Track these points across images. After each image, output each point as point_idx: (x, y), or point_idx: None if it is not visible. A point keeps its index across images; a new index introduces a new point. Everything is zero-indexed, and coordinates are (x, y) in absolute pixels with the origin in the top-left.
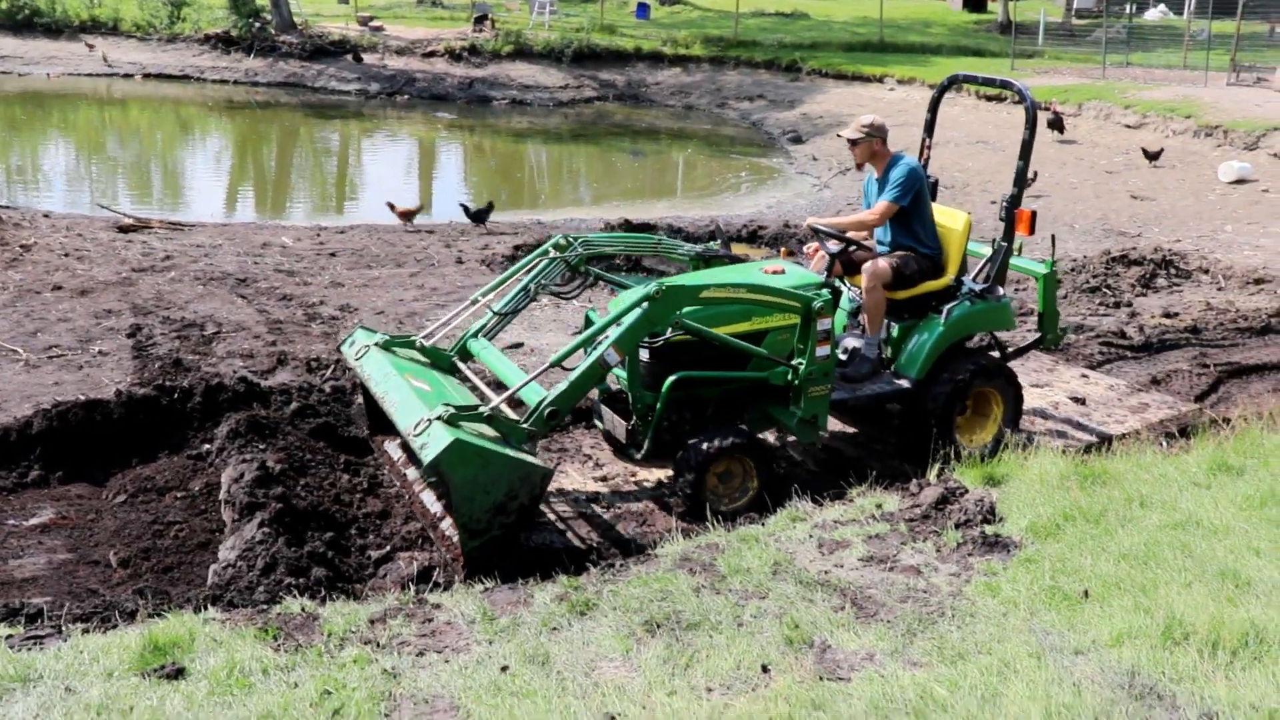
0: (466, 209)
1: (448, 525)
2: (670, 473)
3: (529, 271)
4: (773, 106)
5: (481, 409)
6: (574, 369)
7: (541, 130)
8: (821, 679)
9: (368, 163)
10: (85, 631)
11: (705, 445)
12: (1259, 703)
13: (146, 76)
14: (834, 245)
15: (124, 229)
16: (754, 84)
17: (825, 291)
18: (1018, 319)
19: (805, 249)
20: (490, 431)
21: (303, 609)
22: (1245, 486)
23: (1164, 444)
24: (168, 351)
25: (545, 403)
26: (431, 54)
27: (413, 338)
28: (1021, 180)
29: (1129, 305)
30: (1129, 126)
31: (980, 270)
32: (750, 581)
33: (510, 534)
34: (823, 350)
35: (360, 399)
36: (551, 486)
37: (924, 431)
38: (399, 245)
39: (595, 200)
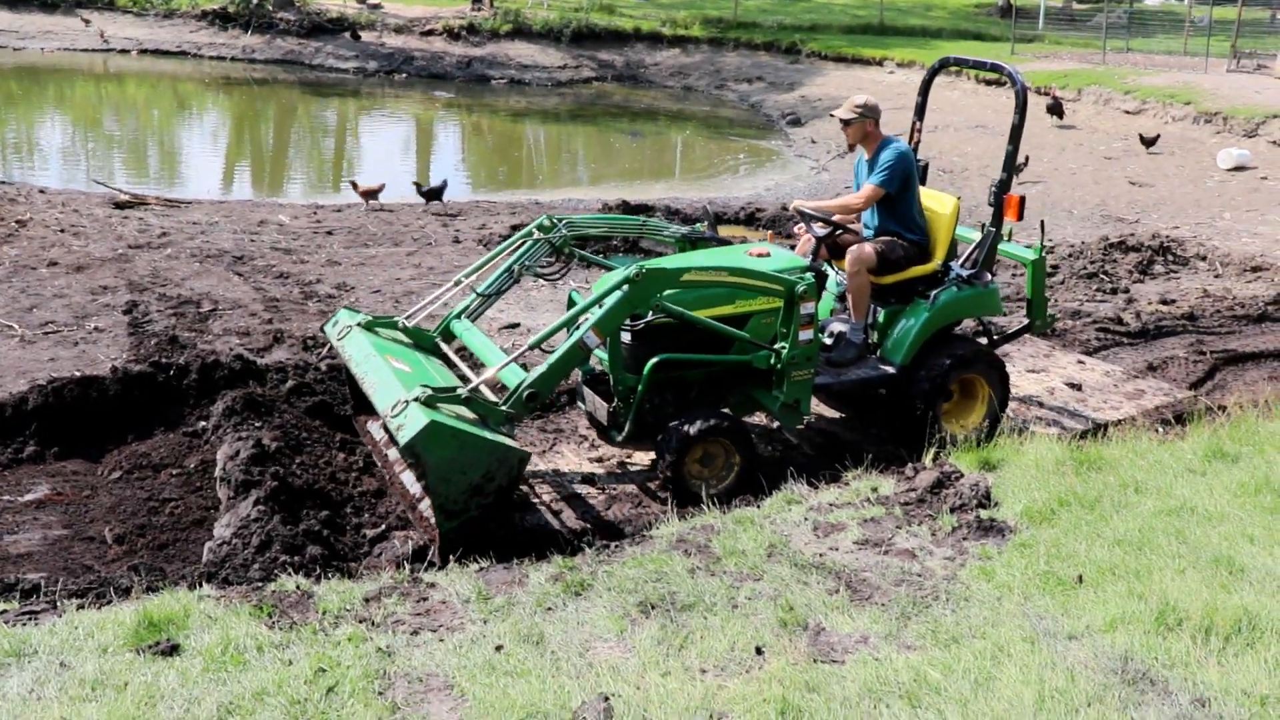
0: (419, 187)
1: (426, 506)
2: None
3: (513, 253)
4: (772, 89)
5: (460, 391)
6: (554, 351)
7: (540, 110)
8: (815, 661)
9: (365, 141)
10: (80, 607)
11: (685, 428)
12: (1251, 688)
13: (143, 52)
14: (821, 229)
15: (120, 205)
16: (753, 66)
17: (809, 275)
18: (1013, 305)
19: (794, 229)
20: (468, 413)
21: (298, 587)
22: (1240, 474)
23: (1159, 430)
24: (164, 328)
25: (524, 385)
26: (430, 32)
27: (395, 319)
28: (1011, 165)
29: (1126, 291)
30: (1128, 112)
31: (968, 256)
32: (745, 563)
33: (487, 515)
34: (806, 334)
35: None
36: (547, 467)
37: (910, 417)
38: (396, 224)
39: (593, 181)
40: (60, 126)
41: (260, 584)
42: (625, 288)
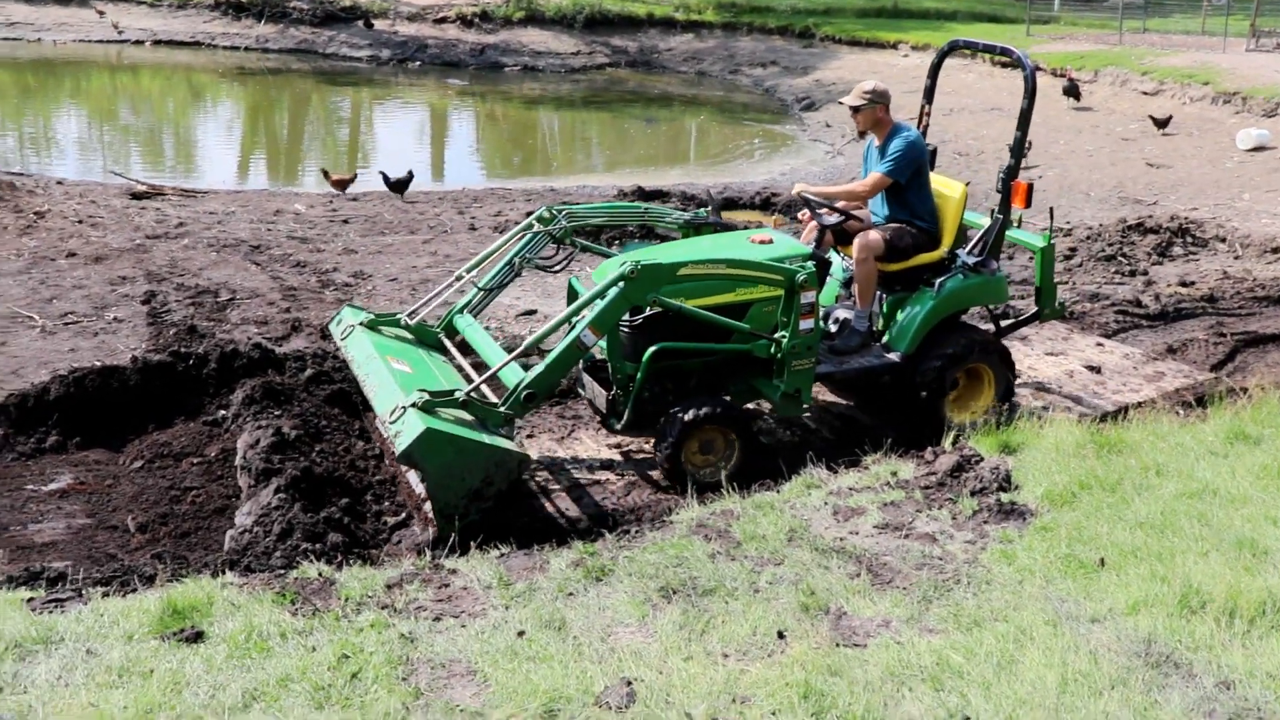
0: (386, 177)
1: (430, 507)
2: None
3: (514, 245)
4: (786, 73)
5: (457, 394)
6: (552, 350)
7: (554, 97)
8: (837, 645)
9: (380, 130)
10: (105, 595)
11: (683, 415)
12: (1276, 671)
13: (157, 43)
14: (830, 217)
15: (137, 196)
16: (767, 50)
17: (810, 264)
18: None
19: (799, 215)
20: (466, 417)
21: (319, 574)
22: (1263, 456)
23: (1180, 413)
24: (182, 318)
25: (523, 385)
26: (443, 20)
27: (398, 315)
28: (1019, 151)
29: (1145, 274)
30: (1146, 93)
31: (975, 243)
32: (766, 548)
33: (487, 518)
34: (807, 323)
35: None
36: (566, 453)
37: (916, 405)
38: (411, 212)
39: (608, 167)
40: (77, 118)
41: (282, 571)
42: (621, 285)
